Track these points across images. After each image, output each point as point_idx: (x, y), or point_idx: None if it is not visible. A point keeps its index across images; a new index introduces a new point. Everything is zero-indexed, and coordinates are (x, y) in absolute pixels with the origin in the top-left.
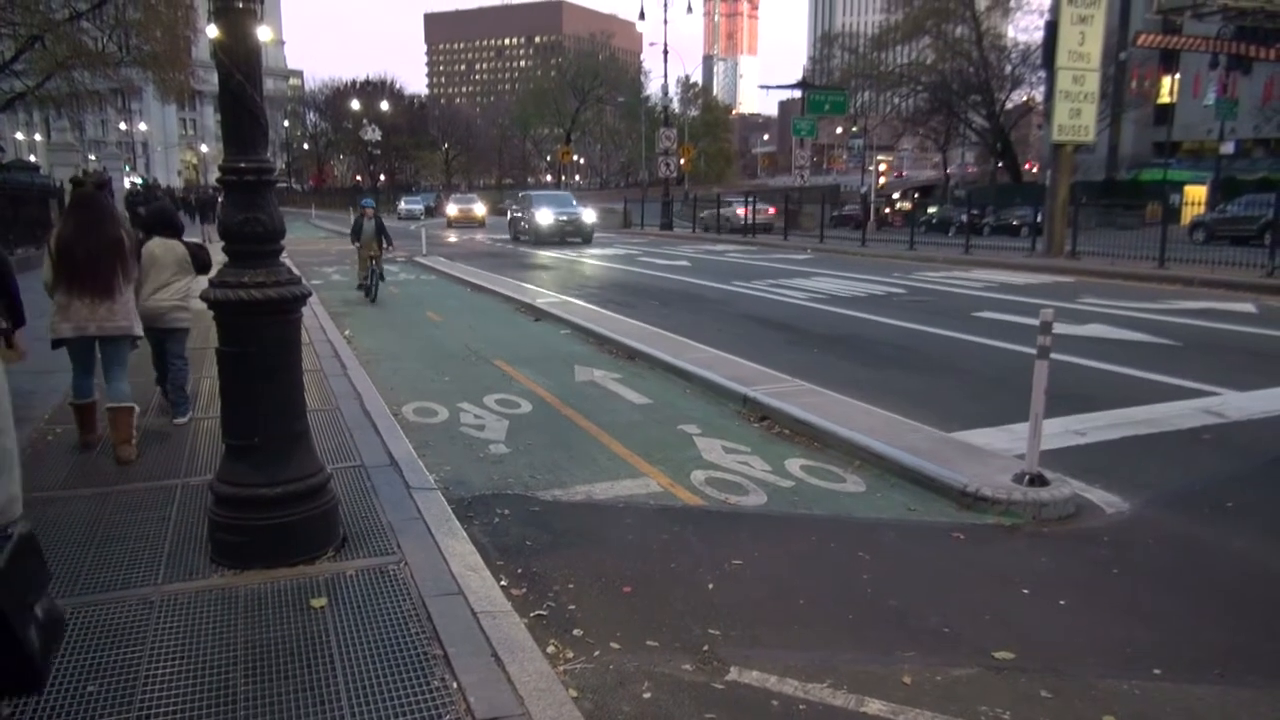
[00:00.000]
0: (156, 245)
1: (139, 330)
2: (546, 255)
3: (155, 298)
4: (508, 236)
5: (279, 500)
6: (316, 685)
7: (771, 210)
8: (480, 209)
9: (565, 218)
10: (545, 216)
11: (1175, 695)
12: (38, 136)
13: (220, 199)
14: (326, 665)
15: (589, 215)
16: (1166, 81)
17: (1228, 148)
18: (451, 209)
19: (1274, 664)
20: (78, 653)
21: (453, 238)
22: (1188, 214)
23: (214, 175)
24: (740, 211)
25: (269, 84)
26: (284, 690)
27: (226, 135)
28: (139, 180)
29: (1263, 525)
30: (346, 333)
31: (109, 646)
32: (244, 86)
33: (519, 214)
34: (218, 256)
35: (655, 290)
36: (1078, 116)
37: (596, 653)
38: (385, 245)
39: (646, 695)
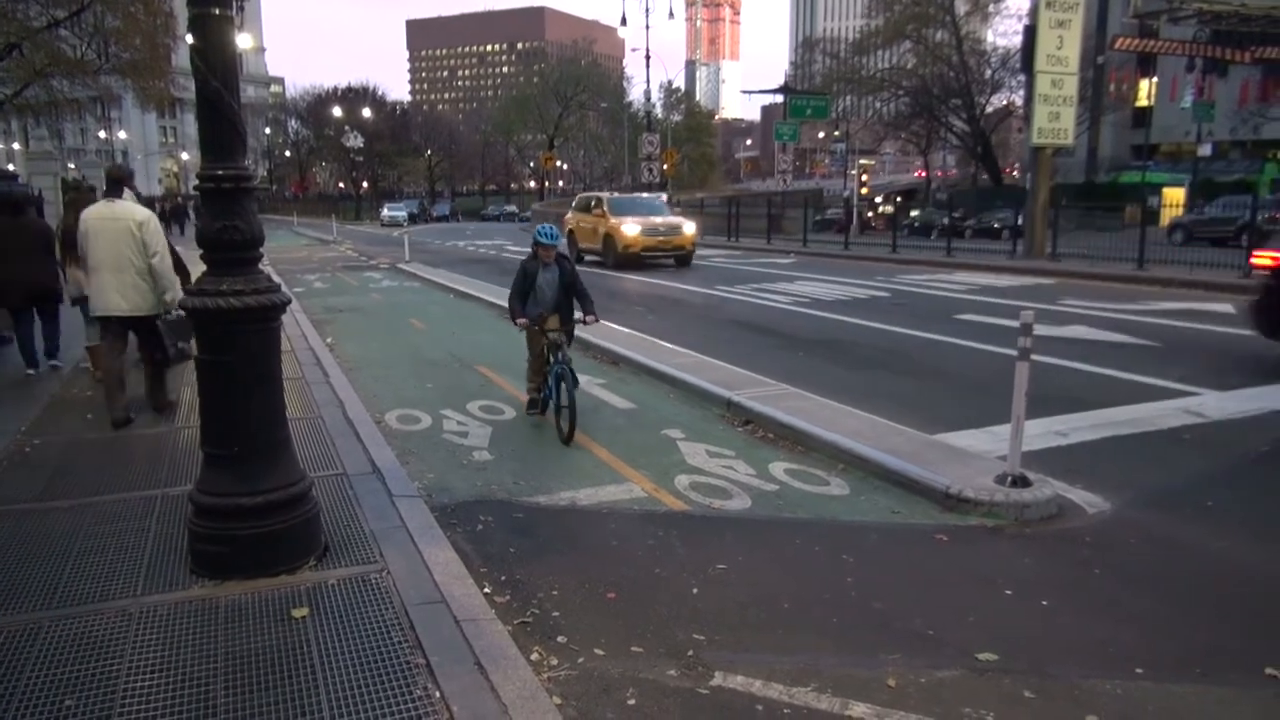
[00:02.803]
0: None
1: None
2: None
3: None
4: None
5: (260, 509)
6: (298, 696)
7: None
8: (689, 226)
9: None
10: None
11: (1157, 694)
12: (16, 145)
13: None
14: (308, 676)
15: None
16: (1144, 85)
17: (1205, 150)
18: (630, 227)
19: (1255, 662)
20: (54, 666)
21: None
22: (1166, 216)
23: (195, 183)
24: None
25: (250, 91)
26: (265, 702)
27: (204, 142)
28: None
29: (1243, 524)
30: (328, 340)
31: (87, 660)
32: (221, 93)
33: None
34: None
35: (639, 295)
36: (1057, 120)
37: (581, 660)
38: (579, 318)
39: (631, 702)
